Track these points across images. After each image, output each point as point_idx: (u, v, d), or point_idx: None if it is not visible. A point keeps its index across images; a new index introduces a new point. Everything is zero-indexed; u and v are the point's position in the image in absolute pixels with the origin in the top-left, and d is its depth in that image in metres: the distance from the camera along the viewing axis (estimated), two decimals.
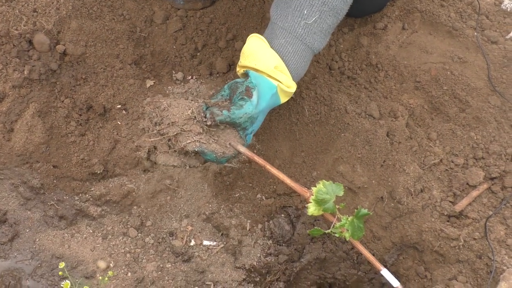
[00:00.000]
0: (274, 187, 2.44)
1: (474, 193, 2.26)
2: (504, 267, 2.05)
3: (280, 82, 1.92)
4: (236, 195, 2.43)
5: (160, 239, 2.34)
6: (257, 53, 1.93)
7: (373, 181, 2.33)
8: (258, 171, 2.43)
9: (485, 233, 2.15)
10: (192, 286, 2.27)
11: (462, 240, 2.19)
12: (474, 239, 2.17)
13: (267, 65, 1.91)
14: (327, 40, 2.02)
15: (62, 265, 2.08)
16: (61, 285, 2.00)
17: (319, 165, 2.36)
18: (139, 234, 2.34)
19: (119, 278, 2.23)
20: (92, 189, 2.39)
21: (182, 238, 2.34)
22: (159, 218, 2.38)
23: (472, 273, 2.14)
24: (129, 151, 2.40)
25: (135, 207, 2.39)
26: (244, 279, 2.33)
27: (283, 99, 1.97)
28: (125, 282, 2.23)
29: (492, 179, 2.27)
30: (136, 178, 2.42)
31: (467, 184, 2.28)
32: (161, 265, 2.28)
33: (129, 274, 2.25)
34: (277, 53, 1.95)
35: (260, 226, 2.43)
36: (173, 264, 2.29)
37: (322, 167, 2.36)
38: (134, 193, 2.39)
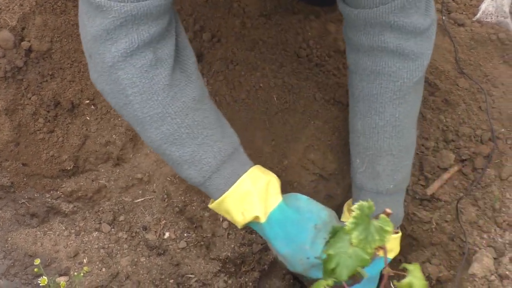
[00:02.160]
0: None
1: (445, 175, 2.23)
2: (477, 248, 2.03)
3: None
4: None
5: (134, 234, 2.28)
6: None
7: (345, 167, 2.28)
8: None
9: (457, 215, 2.12)
10: (168, 279, 2.21)
11: (434, 223, 2.16)
12: (446, 221, 2.14)
13: None
14: (394, 178, 1.88)
15: (37, 261, 2.02)
16: (38, 282, 1.93)
17: (290, 154, 2.31)
18: (112, 229, 2.28)
19: (94, 274, 2.18)
20: (63, 185, 2.32)
21: (155, 232, 2.28)
22: (132, 213, 2.31)
23: (445, 255, 2.12)
24: (99, 146, 2.35)
25: (107, 202, 2.33)
26: (219, 270, 2.28)
27: None
28: (99, 278, 2.17)
29: (462, 161, 2.24)
30: (107, 173, 2.36)
31: (438, 167, 2.25)
32: (136, 259, 2.23)
33: (104, 269, 2.19)
34: None
35: None
36: (147, 258, 2.23)
37: (293, 155, 2.30)
38: (105, 188, 2.33)
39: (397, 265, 2.19)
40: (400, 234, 1.97)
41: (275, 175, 1.81)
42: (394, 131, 1.81)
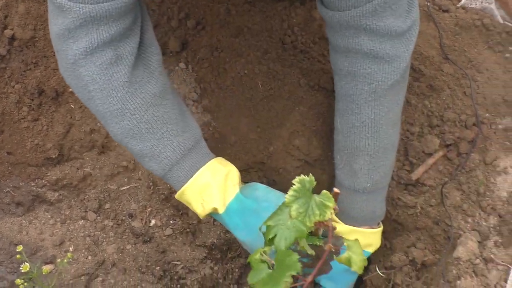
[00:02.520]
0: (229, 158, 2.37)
1: (430, 160, 2.21)
2: (461, 232, 2.02)
3: None
4: None
5: (120, 221, 2.27)
6: None
7: (329, 153, 2.27)
8: (215, 149, 2.35)
9: (441, 200, 2.11)
10: (154, 266, 2.20)
11: (419, 208, 2.15)
12: (431, 206, 2.13)
13: None
14: (371, 177, 1.89)
15: (20, 248, 1.99)
16: (20, 268, 1.91)
17: (275, 140, 2.29)
18: (98, 217, 2.27)
19: (80, 262, 2.16)
20: (48, 174, 2.31)
21: (141, 219, 2.26)
22: (118, 200, 2.30)
23: (430, 240, 2.11)
24: (84, 134, 2.33)
25: (92, 190, 2.31)
26: (205, 257, 2.28)
27: None
28: (86, 266, 2.16)
29: (447, 146, 2.23)
30: (92, 161, 2.34)
31: (423, 152, 2.24)
32: (122, 247, 2.22)
33: (90, 257, 2.18)
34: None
35: None
36: (133, 245, 2.23)
37: (278, 141, 2.29)
38: (91, 176, 2.31)
39: (382, 250, 2.18)
40: (381, 228, 1.98)
41: (234, 167, 1.85)
42: (370, 132, 1.82)
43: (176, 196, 1.80)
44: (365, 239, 1.91)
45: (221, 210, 1.75)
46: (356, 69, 1.76)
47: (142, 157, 1.73)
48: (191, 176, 1.75)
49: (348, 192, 1.90)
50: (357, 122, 1.82)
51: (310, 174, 1.28)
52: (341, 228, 1.89)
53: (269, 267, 1.23)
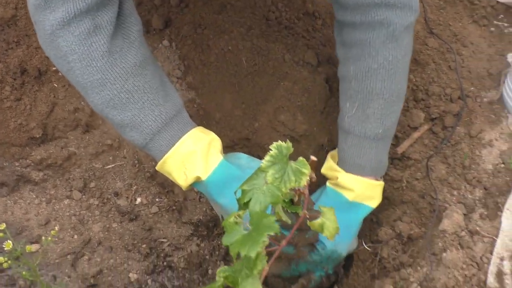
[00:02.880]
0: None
1: (416, 134, 2.21)
2: (447, 205, 2.01)
3: None
4: None
5: (105, 200, 2.25)
6: None
7: (315, 128, 2.25)
8: (200, 125, 2.33)
9: (427, 173, 2.10)
10: (140, 244, 2.18)
11: (405, 181, 2.15)
12: (417, 179, 2.13)
13: None
14: (384, 122, 1.88)
15: (2, 226, 1.96)
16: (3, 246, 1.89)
17: (260, 116, 2.28)
18: (83, 196, 2.24)
19: (66, 241, 2.14)
20: (32, 154, 2.28)
21: (127, 197, 2.24)
22: (103, 179, 2.27)
23: (416, 213, 2.10)
24: (68, 113, 2.30)
25: (77, 170, 2.29)
26: (191, 234, 2.26)
27: None
28: (72, 245, 2.14)
29: (432, 120, 2.22)
30: (77, 140, 2.32)
31: (408, 126, 2.23)
32: (108, 225, 2.20)
33: (76, 236, 2.16)
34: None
35: None
36: (119, 224, 2.21)
37: (263, 117, 2.27)
38: (75, 155, 2.29)
39: (369, 224, 2.18)
40: (382, 183, 1.95)
41: (216, 135, 1.83)
42: (387, 74, 1.81)
43: (157, 167, 1.77)
44: (369, 190, 1.89)
45: (204, 177, 1.73)
46: (371, 18, 1.76)
47: (123, 128, 1.71)
48: (173, 145, 1.73)
49: (357, 139, 1.88)
50: (374, 64, 1.81)
51: (288, 140, 1.27)
52: (344, 177, 1.87)
53: (244, 229, 1.22)
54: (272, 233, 1.16)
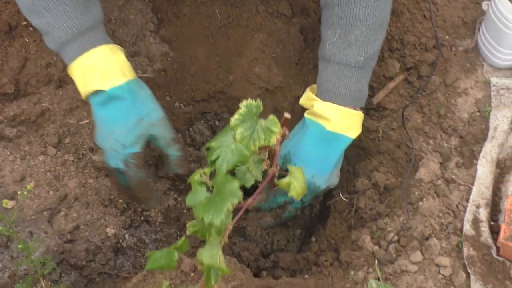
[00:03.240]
0: (192, 94, 2.32)
1: (391, 84, 2.20)
2: (423, 154, 2.01)
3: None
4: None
5: (80, 156, 2.21)
6: None
7: (290, 80, 2.23)
8: (174, 79, 2.30)
9: (402, 123, 2.10)
10: (117, 199, 2.16)
11: (381, 132, 2.14)
12: (393, 129, 2.12)
13: None
14: (365, 50, 1.85)
15: None
16: None
17: (235, 68, 2.25)
18: (58, 152, 2.20)
19: (42, 197, 2.11)
20: (5, 110, 2.23)
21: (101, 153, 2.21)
22: (78, 135, 2.23)
23: (393, 163, 2.10)
24: (40, 69, 2.25)
25: (51, 125, 2.24)
26: (168, 188, 2.25)
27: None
28: (48, 201, 2.11)
29: (408, 69, 2.21)
30: (50, 95, 2.27)
31: (384, 76, 2.22)
32: (83, 181, 2.17)
33: (51, 192, 2.12)
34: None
35: (180, 134, 2.31)
36: (95, 179, 2.18)
37: (238, 70, 2.25)
38: (49, 111, 2.24)
39: (345, 175, 2.17)
40: (362, 113, 1.93)
41: (125, 58, 1.89)
42: (371, 1, 1.79)
43: (68, 70, 1.89)
44: (347, 119, 1.87)
45: (105, 87, 1.81)
46: None
47: (41, 32, 1.87)
48: (79, 56, 1.82)
49: (338, 66, 1.85)
50: None
51: (258, 99, 1.25)
52: (320, 105, 1.85)
53: (208, 189, 1.20)
54: (235, 201, 1.15)
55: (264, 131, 1.22)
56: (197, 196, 1.20)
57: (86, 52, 1.82)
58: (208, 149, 1.27)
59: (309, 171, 1.84)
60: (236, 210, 1.19)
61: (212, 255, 1.20)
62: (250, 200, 1.24)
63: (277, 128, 1.23)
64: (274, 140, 1.22)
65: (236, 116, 1.23)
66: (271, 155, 1.32)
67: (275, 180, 1.32)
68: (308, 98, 1.91)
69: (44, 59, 2.24)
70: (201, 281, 1.24)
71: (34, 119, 2.23)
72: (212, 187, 1.19)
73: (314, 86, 1.94)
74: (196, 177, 1.22)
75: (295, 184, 1.31)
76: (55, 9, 1.76)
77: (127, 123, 1.83)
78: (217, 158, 1.23)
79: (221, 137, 1.25)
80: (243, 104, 1.24)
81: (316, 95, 1.89)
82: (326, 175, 1.92)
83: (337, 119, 1.84)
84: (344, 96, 1.86)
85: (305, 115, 1.89)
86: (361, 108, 1.93)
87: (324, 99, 1.86)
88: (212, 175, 1.23)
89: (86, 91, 1.82)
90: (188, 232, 1.27)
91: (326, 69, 1.87)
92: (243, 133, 1.21)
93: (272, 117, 1.24)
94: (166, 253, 1.28)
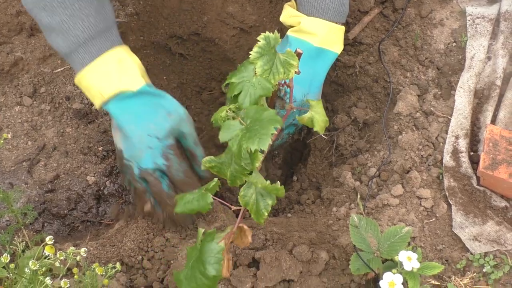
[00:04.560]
0: (166, 36, 2.25)
1: (366, 19, 2.15)
2: (400, 87, 1.98)
3: None
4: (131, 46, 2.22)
5: (57, 105, 2.15)
6: None
7: (264, 19, 2.17)
8: (147, 23, 2.23)
9: (379, 57, 2.05)
10: (96, 147, 2.11)
11: (358, 67, 2.10)
12: (370, 64, 2.08)
13: None
14: None
15: None
16: None
17: (209, 9, 2.19)
18: (34, 102, 2.14)
19: (20, 148, 2.06)
20: None
21: (81, 102, 2.14)
22: (53, 84, 2.17)
23: (371, 98, 2.06)
24: (11, 17, 2.19)
25: (26, 75, 2.18)
26: None
27: None
28: (26, 151, 2.06)
29: (382, 2, 2.17)
30: (23, 44, 2.20)
31: (359, 10, 2.17)
32: (61, 130, 2.11)
33: (29, 143, 2.07)
34: None
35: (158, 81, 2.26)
36: (73, 128, 2.12)
37: (211, 10, 2.19)
38: (22, 60, 2.17)
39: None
40: (343, 28, 1.84)
41: (139, 60, 1.74)
42: None
43: (76, 79, 1.70)
44: (332, 33, 1.80)
45: (132, 87, 1.67)
46: None
47: (49, 32, 1.64)
48: (95, 58, 1.65)
49: None
50: None
51: (276, 31, 1.22)
52: (307, 20, 1.78)
53: (240, 123, 1.18)
54: (277, 126, 1.13)
55: (282, 65, 1.21)
56: (231, 130, 1.18)
57: (103, 54, 1.66)
58: (227, 85, 1.26)
59: (301, 91, 1.78)
60: None
61: (259, 178, 1.20)
62: (274, 136, 1.22)
63: (295, 61, 1.22)
64: (292, 73, 1.21)
65: (255, 49, 1.21)
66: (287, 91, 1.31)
67: (296, 117, 1.31)
68: (290, 15, 1.83)
69: (14, 7, 2.18)
70: (241, 213, 1.25)
71: (7, 70, 2.16)
72: (243, 119, 1.18)
73: (290, 3, 1.86)
74: (222, 113, 1.21)
75: (318, 118, 1.31)
76: (72, 6, 1.59)
77: (158, 117, 1.70)
78: (239, 93, 1.22)
79: (241, 72, 1.24)
80: (261, 37, 1.22)
81: (297, 10, 1.81)
82: (317, 93, 1.86)
83: (323, 34, 1.77)
84: (328, 11, 1.78)
85: (289, 33, 1.81)
86: (342, 24, 1.86)
87: (308, 14, 1.78)
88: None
89: (107, 94, 1.65)
90: (203, 167, 1.26)
91: None
92: (263, 66, 1.20)
93: (289, 50, 1.23)
94: (199, 195, 1.26)
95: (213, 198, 1.26)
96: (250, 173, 1.20)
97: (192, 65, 2.33)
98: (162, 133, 1.68)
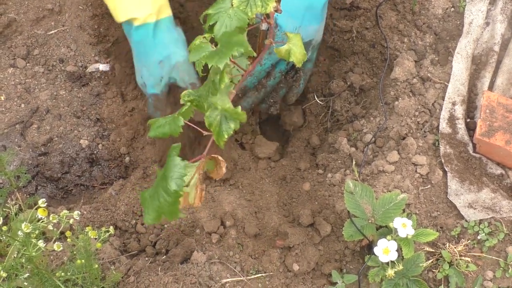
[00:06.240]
0: None
1: None
2: (397, 53, 1.95)
3: None
4: None
5: (51, 67, 2.11)
6: None
7: None
8: None
9: (376, 22, 2.01)
10: (89, 110, 2.08)
11: (355, 32, 2.06)
12: (367, 28, 2.04)
13: None
14: None
15: None
16: None
17: None
18: (27, 64, 2.11)
19: (13, 111, 2.03)
20: None
21: (74, 64, 2.10)
22: (47, 46, 2.13)
23: (368, 63, 2.03)
24: None
25: (19, 37, 2.14)
26: None
27: None
28: (19, 114, 2.03)
29: None
30: (16, 5, 2.16)
31: None
32: (55, 93, 2.08)
33: (23, 105, 2.04)
34: None
35: None
36: (67, 91, 2.08)
37: None
38: (15, 22, 2.13)
39: (320, 78, 2.09)
40: None
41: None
42: None
43: None
44: None
45: (152, 19, 1.71)
46: None
47: None
48: None
49: None
50: None
51: None
52: None
53: (211, 48, 1.16)
54: (241, 50, 1.10)
55: None
56: (200, 52, 1.16)
57: None
58: (205, 17, 1.22)
59: (292, 23, 1.72)
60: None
61: (223, 100, 1.17)
62: (251, 67, 1.21)
63: None
64: (270, 7, 1.17)
65: None
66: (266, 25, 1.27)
67: (274, 49, 1.27)
68: None
69: None
70: (211, 140, 1.21)
71: (0, 31, 2.12)
72: (216, 44, 1.16)
73: None
74: (197, 41, 1.19)
75: (295, 50, 1.26)
76: None
77: (149, 64, 1.75)
78: (215, 23, 1.19)
79: (218, 3, 1.20)
80: None
81: None
82: (310, 27, 1.78)
83: None
84: None
85: None
86: None
87: None
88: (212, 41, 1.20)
89: (136, 13, 1.71)
90: (182, 101, 1.24)
91: None
92: None
93: None
94: (171, 119, 1.23)
95: (186, 123, 1.22)
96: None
97: None
98: (149, 81, 1.78)
